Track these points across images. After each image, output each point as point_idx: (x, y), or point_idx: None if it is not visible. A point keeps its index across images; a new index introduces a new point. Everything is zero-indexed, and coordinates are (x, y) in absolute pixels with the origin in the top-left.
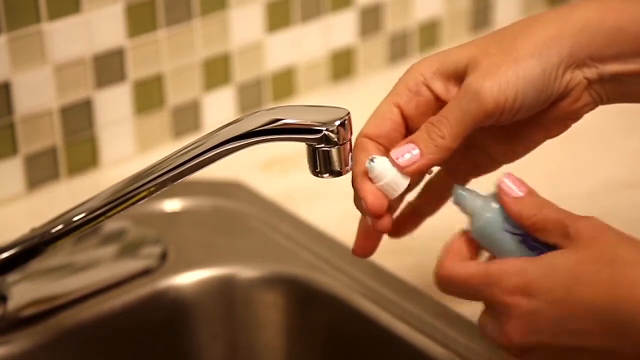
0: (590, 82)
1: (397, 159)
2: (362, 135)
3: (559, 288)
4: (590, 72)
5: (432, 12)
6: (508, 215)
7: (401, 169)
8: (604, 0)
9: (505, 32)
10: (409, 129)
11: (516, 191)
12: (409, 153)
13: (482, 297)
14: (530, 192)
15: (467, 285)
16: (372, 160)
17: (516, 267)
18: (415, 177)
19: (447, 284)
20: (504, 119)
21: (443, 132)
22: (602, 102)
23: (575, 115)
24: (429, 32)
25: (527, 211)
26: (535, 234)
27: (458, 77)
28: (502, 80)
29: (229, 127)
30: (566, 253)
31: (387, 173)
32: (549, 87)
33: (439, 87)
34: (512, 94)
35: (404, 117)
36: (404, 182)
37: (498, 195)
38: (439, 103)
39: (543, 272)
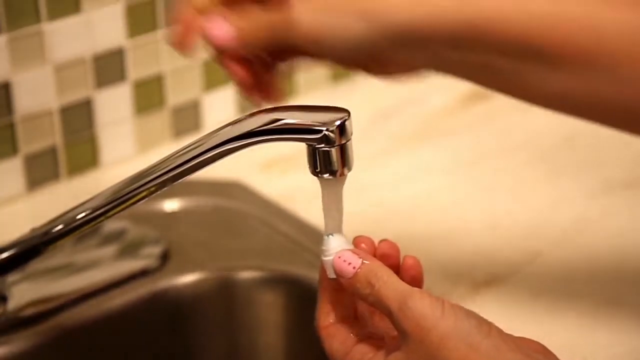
0: (416, 56)
1: (211, 31)
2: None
3: None
4: (420, 54)
5: None
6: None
7: (213, 40)
8: None
9: None
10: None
11: (348, 270)
12: (220, 28)
13: None
14: (361, 265)
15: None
16: (329, 235)
17: None
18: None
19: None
20: (311, 52)
21: (246, 28)
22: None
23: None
24: None
25: (362, 291)
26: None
27: None
28: (325, 25)
29: (229, 127)
30: (398, 357)
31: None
32: (366, 50)
33: None
34: (327, 41)
35: None
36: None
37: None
38: None
39: None
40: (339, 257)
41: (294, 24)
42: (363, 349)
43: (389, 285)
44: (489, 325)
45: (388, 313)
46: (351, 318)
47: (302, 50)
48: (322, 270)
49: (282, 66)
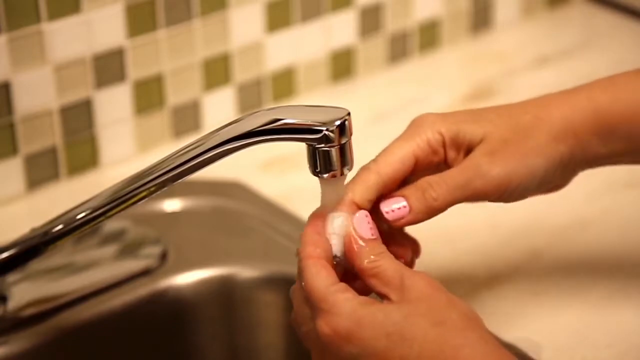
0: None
1: (386, 212)
2: (374, 171)
3: (383, 339)
4: (582, 165)
5: (432, 12)
6: (347, 252)
7: (388, 222)
8: (615, 85)
9: (520, 117)
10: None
11: (369, 231)
12: (398, 209)
13: (312, 311)
14: (376, 239)
15: (308, 291)
16: (337, 216)
17: (348, 309)
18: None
19: (301, 273)
20: (495, 199)
21: (438, 195)
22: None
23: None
24: (429, 32)
25: (367, 254)
26: (370, 280)
27: (469, 149)
28: (511, 169)
29: (229, 127)
30: (399, 305)
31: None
32: (548, 180)
33: (452, 154)
34: (515, 183)
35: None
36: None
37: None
38: (444, 166)
39: (371, 321)
40: (366, 216)
41: (487, 179)
42: (346, 287)
43: (393, 259)
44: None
45: (396, 275)
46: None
47: (482, 198)
48: (313, 216)
49: None
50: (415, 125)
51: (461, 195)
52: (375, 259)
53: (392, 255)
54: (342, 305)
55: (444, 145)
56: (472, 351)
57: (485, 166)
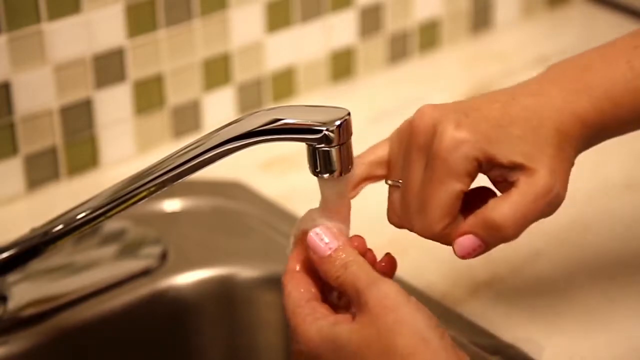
0: None
1: (462, 257)
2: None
3: None
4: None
5: (432, 12)
6: (318, 270)
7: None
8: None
9: (546, 134)
10: None
11: (322, 249)
12: (473, 249)
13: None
14: (339, 248)
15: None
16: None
17: (308, 334)
18: None
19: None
20: None
21: (510, 234)
22: None
23: None
24: (429, 32)
25: (333, 272)
26: (343, 295)
27: (509, 171)
28: (566, 180)
29: (229, 127)
30: (353, 332)
31: None
32: None
33: (495, 174)
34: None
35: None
36: None
37: (308, 250)
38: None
39: (326, 349)
40: (316, 234)
41: (560, 199)
42: (316, 306)
43: (363, 268)
44: (444, 330)
45: (354, 291)
46: (316, 272)
47: None
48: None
49: None
50: (444, 158)
51: (534, 219)
52: (338, 274)
53: (357, 263)
54: (302, 330)
55: (481, 169)
56: None
57: (557, 193)
